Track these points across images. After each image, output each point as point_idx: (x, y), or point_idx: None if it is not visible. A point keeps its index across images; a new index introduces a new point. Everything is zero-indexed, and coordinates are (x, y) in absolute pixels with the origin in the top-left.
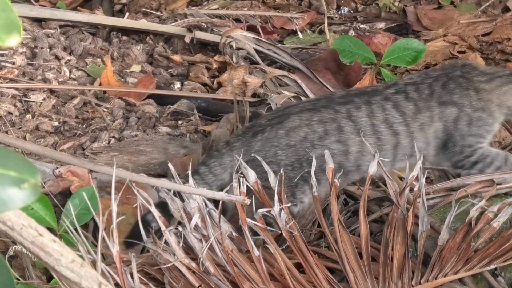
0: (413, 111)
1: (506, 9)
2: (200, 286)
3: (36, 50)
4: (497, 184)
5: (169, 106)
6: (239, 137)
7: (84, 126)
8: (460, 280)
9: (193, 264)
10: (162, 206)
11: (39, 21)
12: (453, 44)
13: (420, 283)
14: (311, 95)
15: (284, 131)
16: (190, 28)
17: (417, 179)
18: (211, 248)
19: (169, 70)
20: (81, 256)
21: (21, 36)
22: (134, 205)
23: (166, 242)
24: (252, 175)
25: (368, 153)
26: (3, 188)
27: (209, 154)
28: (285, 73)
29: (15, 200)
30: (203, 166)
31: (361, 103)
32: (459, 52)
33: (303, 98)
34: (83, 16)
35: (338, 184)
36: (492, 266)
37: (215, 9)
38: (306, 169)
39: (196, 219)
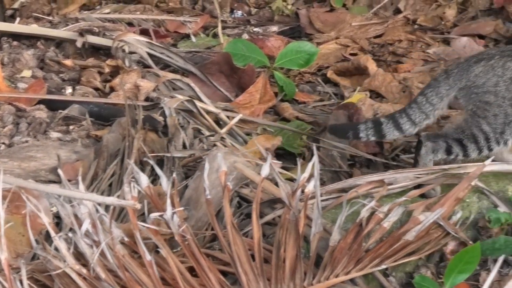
0: None
1: (397, 11)
2: None
3: None
4: (388, 184)
5: (60, 111)
6: (459, 64)
7: None
8: (352, 281)
9: (84, 270)
10: None
11: None
12: (345, 47)
13: (312, 284)
14: (204, 99)
15: None
16: (81, 33)
17: (309, 180)
18: (102, 254)
19: (61, 75)
20: None
21: None
22: (23, 212)
23: (56, 248)
24: (144, 179)
25: None
26: None
27: (428, 83)
28: (178, 76)
29: None
30: (420, 96)
31: None
32: (351, 54)
33: (196, 102)
34: None
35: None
36: (383, 266)
37: (107, 13)
38: None
39: (86, 225)
